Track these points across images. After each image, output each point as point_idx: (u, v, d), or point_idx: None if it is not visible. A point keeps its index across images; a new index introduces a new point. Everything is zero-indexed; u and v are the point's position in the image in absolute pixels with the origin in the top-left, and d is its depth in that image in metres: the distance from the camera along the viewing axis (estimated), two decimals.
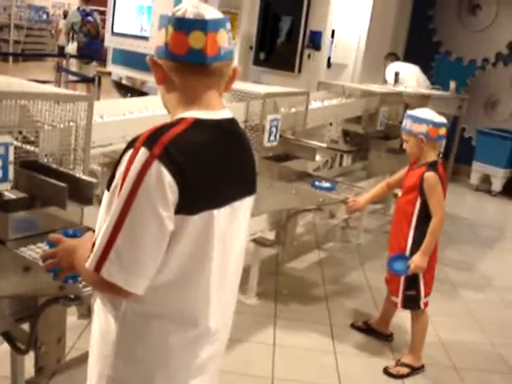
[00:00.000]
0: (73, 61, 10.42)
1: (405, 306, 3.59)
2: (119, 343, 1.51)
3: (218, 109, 1.55)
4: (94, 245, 1.42)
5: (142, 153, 1.37)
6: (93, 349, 1.61)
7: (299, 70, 8.30)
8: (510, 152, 8.26)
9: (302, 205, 4.24)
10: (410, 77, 7.92)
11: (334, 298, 4.46)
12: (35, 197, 2.28)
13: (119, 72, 8.27)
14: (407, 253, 3.45)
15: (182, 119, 1.48)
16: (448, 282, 4.99)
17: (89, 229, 2.11)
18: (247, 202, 1.63)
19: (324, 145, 4.46)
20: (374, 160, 5.57)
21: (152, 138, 1.39)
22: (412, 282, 3.49)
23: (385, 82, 8.01)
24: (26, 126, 2.30)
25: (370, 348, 3.83)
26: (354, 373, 3.53)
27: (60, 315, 2.59)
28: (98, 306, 1.57)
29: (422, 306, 3.54)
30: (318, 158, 4.56)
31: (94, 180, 2.31)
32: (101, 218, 1.49)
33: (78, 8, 11.47)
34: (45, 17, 19.12)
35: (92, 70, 10.45)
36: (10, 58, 16.93)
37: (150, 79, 7.52)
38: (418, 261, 3.38)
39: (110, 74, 8.83)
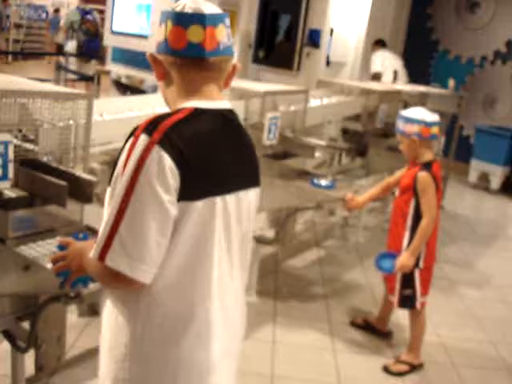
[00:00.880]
0: (72, 59, 10.43)
1: (401, 305, 3.60)
2: (135, 345, 1.50)
3: (217, 100, 1.56)
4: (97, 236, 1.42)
5: (142, 139, 1.39)
6: (104, 352, 1.58)
7: (298, 68, 8.31)
8: (508, 150, 8.27)
9: (301, 203, 4.25)
10: (389, 68, 7.98)
11: (333, 296, 4.47)
12: (35, 195, 2.29)
13: (118, 70, 8.27)
14: (403, 253, 3.44)
15: (182, 108, 1.50)
16: (446, 279, 5.00)
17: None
18: (252, 194, 1.62)
19: (323, 143, 4.46)
20: (373, 158, 5.58)
21: (152, 125, 1.41)
22: (408, 281, 3.49)
23: (370, 70, 8.07)
24: (25, 124, 2.30)
25: (368, 346, 3.84)
26: (353, 370, 3.54)
27: (60, 314, 2.60)
28: (110, 307, 1.55)
29: (419, 307, 3.54)
30: (317, 155, 4.57)
31: (93, 178, 2.31)
32: (104, 214, 1.48)
33: (78, 7, 11.46)
34: (44, 15, 19.09)
35: (91, 68, 10.45)
36: (10, 57, 16.90)
37: (148, 77, 7.53)
38: (403, 260, 3.38)
39: (109, 72, 8.83)
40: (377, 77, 7.96)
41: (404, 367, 3.57)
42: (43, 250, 2.27)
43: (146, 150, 1.37)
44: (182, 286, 1.48)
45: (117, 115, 3.07)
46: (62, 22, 15.12)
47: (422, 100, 6.15)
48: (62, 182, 2.20)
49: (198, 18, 1.47)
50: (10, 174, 2.20)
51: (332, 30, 8.49)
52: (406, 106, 5.88)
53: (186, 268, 1.47)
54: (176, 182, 1.38)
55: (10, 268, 2.19)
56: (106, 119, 2.96)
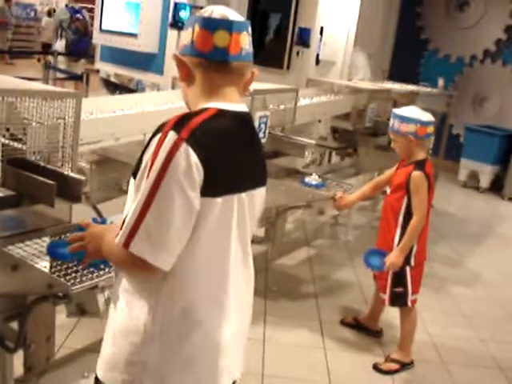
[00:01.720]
0: (61, 58, 10.37)
1: (392, 303, 3.60)
2: (155, 329, 1.56)
3: (237, 103, 1.67)
4: (123, 224, 1.50)
5: (171, 136, 1.47)
6: (116, 335, 1.63)
7: (288, 67, 8.30)
8: (497, 149, 8.31)
9: (291, 202, 4.25)
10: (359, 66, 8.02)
11: (324, 295, 4.47)
12: (23, 194, 2.28)
13: (107, 69, 8.23)
14: (393, 251, 3.44)
15: (205, 109, 1.58)
16: (436, 277, 5.02)
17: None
18: (261, 193, 1.72)
19: (313, 141, 4.46)
20: (362, 157, 5.59)
21: (180, 123, 1.50)
22: (399, 279, 3.50)
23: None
24: (13, 123, 2.28)
25: (359, 344, 3.85)
26: (343, 369, 3.55)
27: (49, 314, 2.59)
28: (127, 293, 1.61)
29: (410, 304, 3.55)
30: (307, 154, 4.56)
31: (82, 177, 2.30)
32: (128, 204, 1.57)
33: (67, 5, 11.40)
34: (32, 14, 19.00)
35: (80, 67, 10.40)
36: None
37: (137, 76, 7.50)
38: (393, 258, 3.39)
39: (98, 71, 8.79)
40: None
41: (394, 365, 3.58)
42: (31, 250, 2.25)
43: (175, 147, 1.45)
44: (203, 274, 1.58)
45: (106, 114, 3.05)
46: (47, 22, 15.10)
47: (411, 99, 6.17)
48: (50, 182, 2.18)
49: (225, 24, 1.58)
50: None
51: (322, 29, 8.49)
52: (395, 105, 5.90)
53: (206, 258, 1.57)
54: (200, 178, 1.47)
55: None
56: (94, 118, 2.93)
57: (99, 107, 3.06)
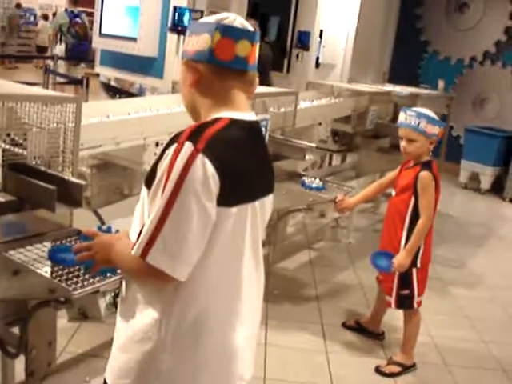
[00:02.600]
0: (61, 62, 10.37)
1: (399, 305, 3.58)
2: (169, 338, 1.56)
3: (248, 112, 1.67)
4: (139, 234, 1.50)
5: (187, 147, 1.47)
6: (126, 344, 1.62)
7: (288, 70, 8.31)
8: (497, 150, 8.30)
9: (292, 205, 4.25)
10: None
11: (325, 298, 4.46)
12: (24, 199, 2.28)
13: (107, 73, 8.23)
14: (400, 252, 3.43)
15: (218, 118, 1.58)
16: (438, 279, 5.01)
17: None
18: (270, 200, 1.76)
19: (313, 144, 4.46)
20: (363, 159, 5.59)
21: (195, 134, 1.50)
22: (405, 281, 3.49)
23: None
24: (13, 128, 2.28)
25: (361, 347, 3.84)
26: (345, 372, 3.54)
27: (50, 318, 2.58)
28: (139, 302, 1.60)
29: (416, 306, 3.54)
30: (307, 157, 4.56)
31: (82, 182, 2.30)
32: (137, 214, 1.60)
33: (66, 9, 11.41)
34: (32, 18, 19.02)
35: (80, 71, 10.39)
36: None
37: (137, 80, 7.50)
38: (401, 259, 3.38)
39: (98, 75, 8.79)
40: None
41: (396, 368, 3.57)
42: (32, 255, 2.25)
43: (191, 158, 1.45)
44: (217, 282, 1.59)
45: (106, 119, 3.05)
46: (42, 25, 15.10)
47: (412, 101, 6.16)
48: (51, 186, 2.18)
49: (248, 34, 1.59)
50: None
51: (321, 32, 8.50)
52: (396, 107, 5.90)
53: (221, 266, 1.58)
54: (216, 189, 1.48)
55: None
56: (95, 123, 2.93)
57: (99, 112, 3.06)
